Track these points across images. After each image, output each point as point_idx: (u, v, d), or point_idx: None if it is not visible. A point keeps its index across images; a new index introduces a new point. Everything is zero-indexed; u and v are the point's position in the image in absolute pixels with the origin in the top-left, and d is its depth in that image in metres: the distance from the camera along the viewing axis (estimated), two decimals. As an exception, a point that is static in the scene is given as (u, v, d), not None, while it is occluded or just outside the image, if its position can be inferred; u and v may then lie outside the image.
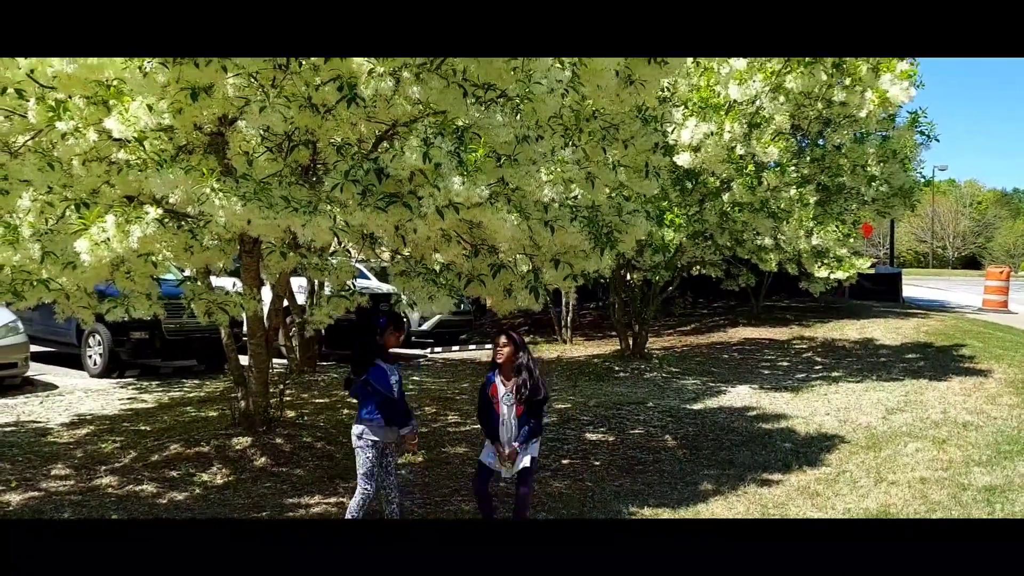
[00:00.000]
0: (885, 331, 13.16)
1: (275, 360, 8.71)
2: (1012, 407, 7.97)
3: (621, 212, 5.76)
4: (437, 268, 5.82)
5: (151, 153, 4.23)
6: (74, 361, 10.67)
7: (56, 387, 9.41)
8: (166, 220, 4.52)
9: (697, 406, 8.57)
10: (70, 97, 4.21)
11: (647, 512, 5.22)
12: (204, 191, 4.11)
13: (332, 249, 7.16)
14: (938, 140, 11.94)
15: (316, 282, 10.17)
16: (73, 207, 4.36)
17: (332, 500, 5.41)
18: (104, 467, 6.08)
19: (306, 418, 7.61)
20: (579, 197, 5.41)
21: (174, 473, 5.92)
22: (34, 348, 9.97)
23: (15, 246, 4.39)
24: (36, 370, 10.11)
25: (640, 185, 5.85)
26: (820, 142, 10.34)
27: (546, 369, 11.38)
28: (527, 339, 14.92)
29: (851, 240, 10.32)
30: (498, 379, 4.56)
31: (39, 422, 7.57)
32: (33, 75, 4.14)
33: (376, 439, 4.36)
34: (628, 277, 11.99)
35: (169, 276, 7.31)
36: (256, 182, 4.30)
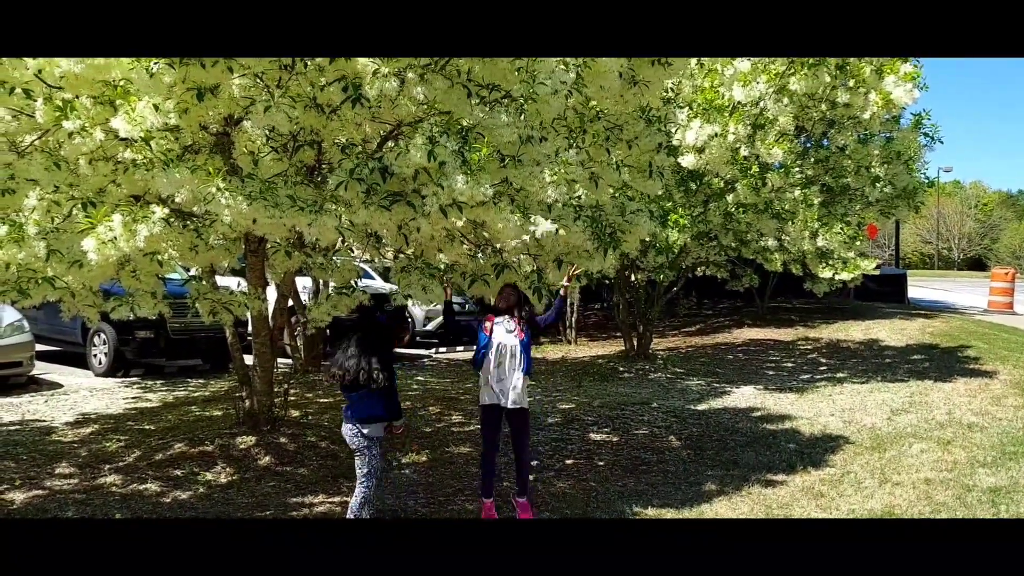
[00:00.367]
0: (890, 332, 13.14)
1: (279, 360, 8.73)
2: (1017, 408, 7.94)
3: (625, 212, 5.77)
4: (441, 268, 5.83)
5: (157, 153, 4.24)
6: (79, 360, 10.71)
7: (61, 386, 9.44)
8: (172, 219, 4.53)
9: (701, 407, 8.56)
10: (77, 97, 4.23)
11: (651, 512, 5.22)
12: (210, 190, 4.12)
13: (336, 249, 7.17)
14: (942, 142, 11.90)
15: (320, 282, 10.20)
16: (80, 206, 4.38)
17: (336, 499, 5.42)
18: (108, 466, 6.10)
19: (310, 417, 7.63)
20: (583, 197, 5.41)
21: (178, 472, 5.94)
22: (39, 347, 10.01)
23: (20, 244, 4.41)
24: (41, 369, 10.15)
25: (644, 185, 5.86)
26: (824, 143, 10.32)
27: (551, 369, 11.39)
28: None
29: (857, 243, 10.31)
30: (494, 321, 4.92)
31: (44, 421, 7.60)
32: (41, 75, 4.16)
33: (379, 436, 4.40)
34: (632, 278, 11.98)
35: (174, 275, 7.34)
36: (261, 181, 4.32)
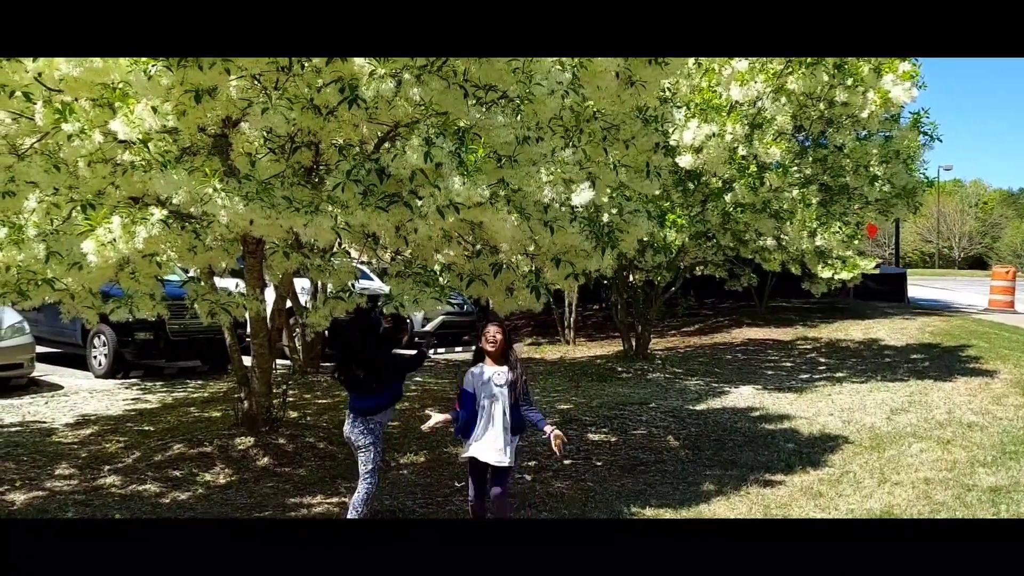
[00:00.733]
0: (890, 331, 13.13)
1: (278, 361, 8.73)
2: (1018, 407, 7.94)
3: (622, 212, 5.77)
4: (438, 269, 5.84)
5: (155, 154, 4.26)
6: (79, 362, 10.72)
7: (61, 387, 9.45)
8: (170, 221, 4.54)
9: (700, 406, 8.56)
10: (76, 100, 4.24)
11: (649, 512, 5.22)
12: (207, 192, 4.13)
13: (334, 250, 7.18)
14: (940, 140, 11.92)
15: (319, 283, 10.20)
16: (79, 208, 4.39)
17: (334, 500, 5.43)
18: (108, 467, 6.11)
19: (309, 418, 7.64)
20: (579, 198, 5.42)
21: (177, 473, 5.95)
22: (40, 349, 10.03)
23: (20, 246, 4.43)
24: (41, 370, 10.16)
25: (641, 185, 5.86)
26: (822, 142, 10.31)
27: (549, 370, 11.39)
28: (529, 340, 14.95)
29: (856, 242, 10.30)
30: (485, 366, 4.45)
31: (44, 422, 7.61)
32: (40, 78, 4.18)
33: (388, 420, 4.54)
34: (631, 278, 11.99)
35: (173, 277, 7.35)
36: (259, 183, 4.33)
